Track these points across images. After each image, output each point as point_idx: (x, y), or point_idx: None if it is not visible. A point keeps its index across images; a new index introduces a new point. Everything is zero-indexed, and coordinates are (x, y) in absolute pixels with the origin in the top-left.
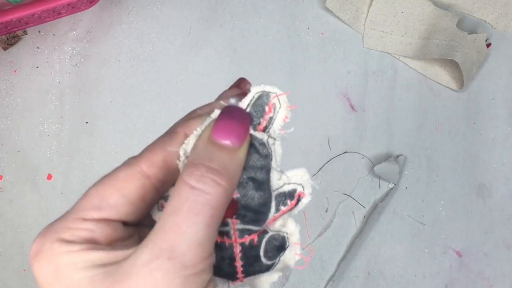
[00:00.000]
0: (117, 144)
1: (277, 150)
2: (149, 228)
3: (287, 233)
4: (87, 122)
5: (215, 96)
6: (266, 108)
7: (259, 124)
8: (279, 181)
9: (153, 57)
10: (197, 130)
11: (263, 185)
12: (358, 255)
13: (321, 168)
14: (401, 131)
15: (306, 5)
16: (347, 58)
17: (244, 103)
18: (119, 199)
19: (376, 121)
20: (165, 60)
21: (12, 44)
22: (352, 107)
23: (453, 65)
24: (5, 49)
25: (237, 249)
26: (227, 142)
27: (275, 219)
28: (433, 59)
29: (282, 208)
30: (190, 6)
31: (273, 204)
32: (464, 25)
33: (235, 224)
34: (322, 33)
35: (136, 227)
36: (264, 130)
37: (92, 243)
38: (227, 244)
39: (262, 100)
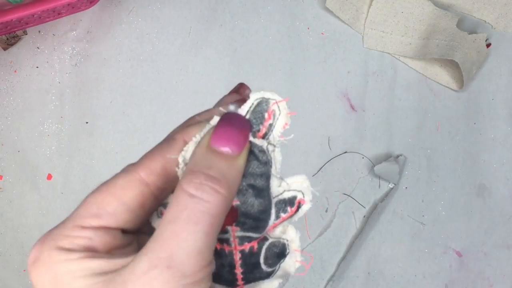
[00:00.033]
0: (117, 144)
1: (276, 157)
2: (148, 235)
3: (287, 240)
4: (87, 122)
5: (215, 96)
6: (266, 115)
7: (258, 131)
8: (279, 188)
9: (153, 57)
10: (196, 137)
11: (263, 192)
12: (358, 255)
13: (321, 168)
14: (401, 131)
15: (306, 5)
16: (347, 58)
17: (244, 110)
18: (118, 206)
19: (376, 121)
20: (165, 60)
21: (12, 44)
22: (352, 107)
23: (453, 65)
24: (5, 49)
25: (237, 256)
26: (226, 149)
27: (275, 226)
28: (433, 59)
29: (282, 215)
30: (190, 6)
31: (273, 211)
32: (464, 25)
33: (235, 232)
34: (322, 33)
35: (135, 235)
36: (264, 137)
37: (91, 251)
38: (226, 251)
39: (261, 107)
